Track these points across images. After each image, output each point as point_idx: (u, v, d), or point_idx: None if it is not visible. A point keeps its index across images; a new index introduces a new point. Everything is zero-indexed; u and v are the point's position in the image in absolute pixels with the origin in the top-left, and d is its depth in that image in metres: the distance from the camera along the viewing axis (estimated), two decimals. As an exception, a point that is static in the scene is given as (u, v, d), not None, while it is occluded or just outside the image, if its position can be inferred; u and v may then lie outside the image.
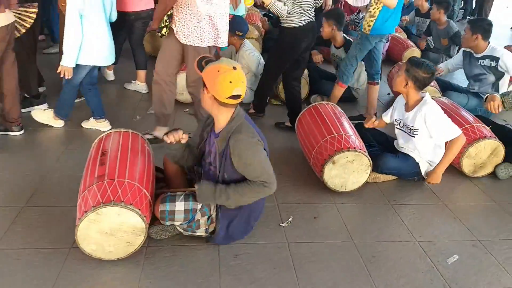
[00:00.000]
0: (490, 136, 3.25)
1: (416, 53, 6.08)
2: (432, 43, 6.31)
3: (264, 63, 4.19)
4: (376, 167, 3.06)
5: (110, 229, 2.14)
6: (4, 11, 3.01)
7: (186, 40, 3.03)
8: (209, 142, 2.33)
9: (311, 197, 2.94)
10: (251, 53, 4.44)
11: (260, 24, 6.31)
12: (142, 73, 4.59)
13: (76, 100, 3.77)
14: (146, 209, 2.21)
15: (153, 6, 4.26)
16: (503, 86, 4.10)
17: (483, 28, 4.01)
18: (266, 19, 6.57)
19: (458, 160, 3.25)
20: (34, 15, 3.37)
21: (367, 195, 3.02)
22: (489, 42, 4.07)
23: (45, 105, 3.87)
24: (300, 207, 2.81)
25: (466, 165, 3.29)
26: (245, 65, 4.42)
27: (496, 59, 3.98)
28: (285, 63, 3.72)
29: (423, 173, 3.14)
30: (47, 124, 3.59)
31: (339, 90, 4.11)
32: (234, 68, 2.11)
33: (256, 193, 2.22)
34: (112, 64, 4.47)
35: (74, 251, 2.23)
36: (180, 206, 2.21)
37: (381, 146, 3.35)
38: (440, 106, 3.10)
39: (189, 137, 2.30)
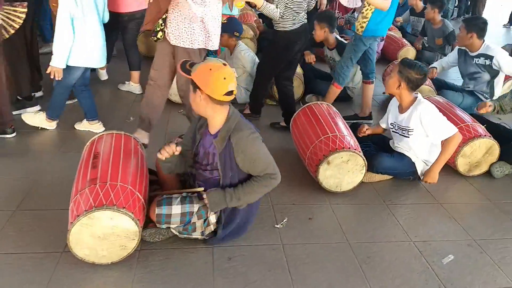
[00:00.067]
0: (485, 135, 3.24)
1: (411, 52, 6.09)
2: (427, 43, 6.31)
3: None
4: (372, 167, 3.05)
5: (103, 233, 2.12)
6: None
7: (176, 42, 3.01)
8: (203, 144, 2.31)
9: (306, 198, 2.92)
10: (246, 53, 4.43)
11: (255, 24, 6.29)
12: (136, 74, 4.57)
13: (69, 102, 3.74)
14: (139, 213, 2.19)
15: (146, 7, 4.23)
16: (498, 85, 4.11)
17: (478, 26, 4.01)
18: (261, 20, 6.55)
19: (453, 159, 3.24)
20: (23, 15, 3.33)
21: (362, 195, 3.00)
22: (484, 41, 4.07)
23: (37, 107, 3.84)
24: (295, 208, 2.80)
25: (461, 164, 3.29)
26: (241, 65, 4.40)
27: (490, 58, 3.98)
28: (279, 65, 3.73)
29: (419, 172, 3.13)
30: (39, 127, 3.55)
31: (334, 92, 4.10)
32: (224, 64, 2.12)
33: (264, 187, 2.24)
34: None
35: (66, 255, 2.20)
36: (176, 209, 2.20)
37: (376, 145, 3.34)
38: (435, 105, 3.09)
39: (180, 144, 2.27)
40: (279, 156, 3.41)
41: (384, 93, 4.97)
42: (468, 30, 4.01)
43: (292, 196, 2.92)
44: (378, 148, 3.31)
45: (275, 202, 2.82)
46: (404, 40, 6.35)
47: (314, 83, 4.68)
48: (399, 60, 3.21)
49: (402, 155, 3.12)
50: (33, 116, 3.55)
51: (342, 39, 4.66)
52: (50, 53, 3.23)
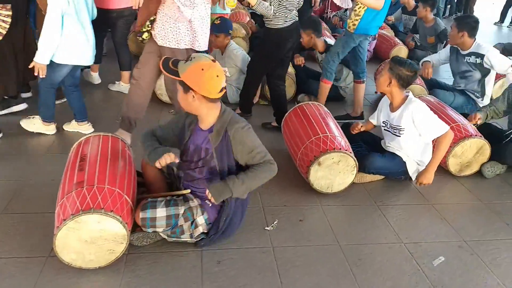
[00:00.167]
0: (476, 135, 3.24)
1: (403, 50, 6.08)
2: (419, 41, 6.31)
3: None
4: (363, 167, 3.03)
5: (90, 237, 2.08)
6: None
7: (163, 42, 2.97)
8: (194, 140, 2.28)
9: (297, 199, 2.90)
10: (238, 52, 4.41)
11: (247, 24, 6.27)
12: (126, 74, 4.51)
13: (57, 102, 3.68)
14: (127, 216, 2.15)
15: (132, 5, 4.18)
16: (489, 83, 4.10)
17: (469, 25, 4.00)
18: (253, 21, 6.53)
19: (445, 159, 3.23)
20: (9, 19, 3.27)
21: (353, 196, 2.99)
22: (475, 39, 4.06)
23: (23, 105, 3.80)
24: (286, 210, 2.77)
25: (452, 164, 3.28)
26: (233, 65, 4.38)
27: (481, 56, 3.98)
28: (271, 63, 3.70)
29: (410, 172, 3.12)
30: (40, 133, 3.48)
31: (325, 88, 4.08)
32: (213, 60, 2.10)
33: (266, 171, 2.23)
34: (96, 63, 4.40)
35: (52, 260, 2.16)
36: (161, 212, 2.16)
37: (368, 146, 3.33)
38: (426, 104, 3.08)
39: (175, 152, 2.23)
40: (270, 156, 3.41)
41: (376, 92, 4.96)
42: (459, 29, 4.00)
43: (283, 198, 2.90)
44: (369, 148, 3.29)
45: (265, 204, 2.80)
46: (396, 39, 6.34)
47: (307, 83, 4.66)
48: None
49: (393, 155, 3.11)
50: (30, 122, 3.49)
51: (331, 42, 4.64)
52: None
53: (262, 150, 2.24)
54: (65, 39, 3.14)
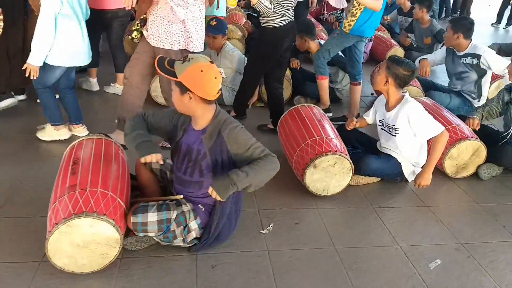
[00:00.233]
0: (472, 137, 3.23)
1: (399, 52, 6.07)
2: (415, 42, 6.31)
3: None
4: (359, 170, 3.02)
5: (83, 241, 2.06)
6: None
7: (156, 43, 2.96)
8: (185, 140, 2.25)
9: (292, 202, 2.88)
10: (234, 52, 4.39)
11: (243, 26, 6.25)
12: (121, 76, 4.46)
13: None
14: (120, 219, 2.13)
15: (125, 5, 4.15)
16: (485, 84, 4.10)
17: (465, 27, 4.00)
18: (250, 22, 6.52)
19: (441, 161, 3.22)
20: (1, 23, 3.24)
21: (349, 199, 2.97)
22: (471, 40, 4.06)
23: (11, 99, 3.85)
24: (282, 213, 2.75)
25: (448, 166, 3.27)
26: (229, 66, 4.36)
27: (478, 57, 3.97)
28: (267, 64, 3.67)
29: (406, 174, 3.11)
30: (59, 139, 3.44)
31: (323, 85, 4.09)
32: (211, 62, 2.08)
33: (269, 164, 2.14)
34: (93, 67, 4.37)
35: (44, 265, 2.14)
36: (152, 217, 2.13)
37: (364, 148, 3.32)
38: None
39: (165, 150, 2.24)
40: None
41: (372, 94, 4.95)
42: (454, 31, 4.00)
43: (278, 200, 2.88)
44: (365, 150, 3.28)
45: (261, 207, 2.78)
46: (393, 40, 6.34)
47: (304, 85, 4.65)
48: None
49: (389, 156, 3.10)
50: (44, 132, 3.45)
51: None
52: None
53: (259, 145, 2.19)
54: (59, 40, 3.11)
